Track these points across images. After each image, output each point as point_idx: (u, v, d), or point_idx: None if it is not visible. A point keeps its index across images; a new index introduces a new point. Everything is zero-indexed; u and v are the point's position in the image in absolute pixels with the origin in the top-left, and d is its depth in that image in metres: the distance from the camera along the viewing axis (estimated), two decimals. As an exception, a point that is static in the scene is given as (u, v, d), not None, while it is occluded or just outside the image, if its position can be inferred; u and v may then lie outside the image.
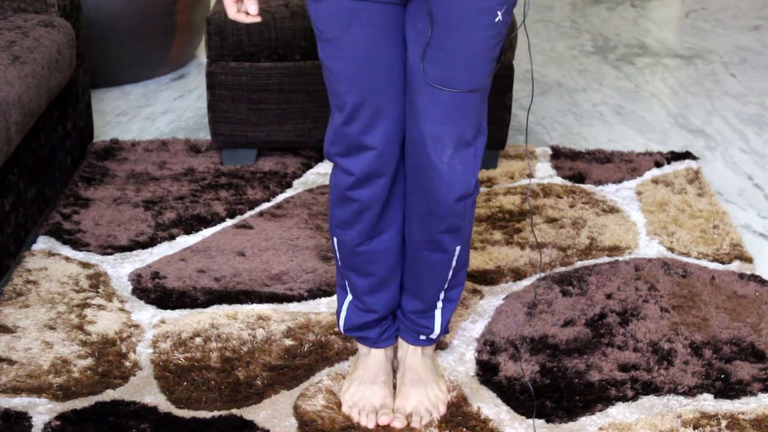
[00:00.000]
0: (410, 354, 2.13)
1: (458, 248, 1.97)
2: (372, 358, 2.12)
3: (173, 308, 2.44)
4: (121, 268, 2.59)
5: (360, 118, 1.86)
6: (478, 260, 2.63)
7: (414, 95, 1.84)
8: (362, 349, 2.15)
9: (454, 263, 2.00)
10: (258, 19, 1.81)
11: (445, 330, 2.11)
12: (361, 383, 2.10)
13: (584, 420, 2.08)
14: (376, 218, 1.97)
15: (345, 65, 1.83)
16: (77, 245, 2.69)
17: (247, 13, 1.81)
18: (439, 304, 2.07)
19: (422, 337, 2.10)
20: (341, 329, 2.14)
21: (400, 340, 2.15)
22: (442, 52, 1.79)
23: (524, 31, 1.85)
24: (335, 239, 2.03)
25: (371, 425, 2.05)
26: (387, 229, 1.99)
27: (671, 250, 2.69)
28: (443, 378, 2.16)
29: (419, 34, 1.80)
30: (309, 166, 3.13)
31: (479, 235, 2.75)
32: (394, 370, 2.20)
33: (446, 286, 2.04)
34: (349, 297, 2.09)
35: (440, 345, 2.30)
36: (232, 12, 1.81)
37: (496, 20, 1.77)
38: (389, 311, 2.09)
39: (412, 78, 1.84)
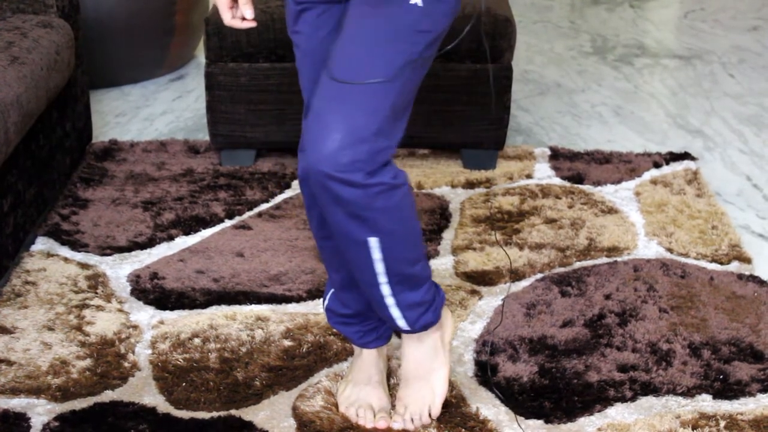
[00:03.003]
0: (405, 341, 2.06)
1: (374, 240, 1.84)
2: (364, 359, 2.12)
3: (172, 309, 2.44)
4: (119, 269, 2.59)
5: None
6: (476, 261, 2.63)
7: (320, 74, 1.81)
8: (356, 349, 2.15)
9: (376, 255, 1.87)
10: (254, 24, 1.81)
11: (421, 325, 1.99)
12: (356, 384, 2.10)
13: (583, 420, 2.08)
14: (321, 217, 1.95)
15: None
16: (76, 246, 2.69)
17: (243, 18, 1.81)
18: (389, 301, 1.94)
19: (397, 327, 2.02)
20: (324, 308, 2.12)
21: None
22: (350, 39, 1.76)
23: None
24: (314, 235, 2.05)
25: (369, 425, 2.05)
26: None
27: (670, 250, 2.69)
28: (444, 367, 2.07)
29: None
30: (308, 167, 3.13)
31: (478, 236, 2.75)
32: (391, 370, 2.20)
33: (382, 280, 1.91)
34: (333, 289, 2.10)
35: (439, 346, 2.30)
36: (228, 18, 1.81)
37: (411, 2, 1.72)
38: (363, 310, 2.06)
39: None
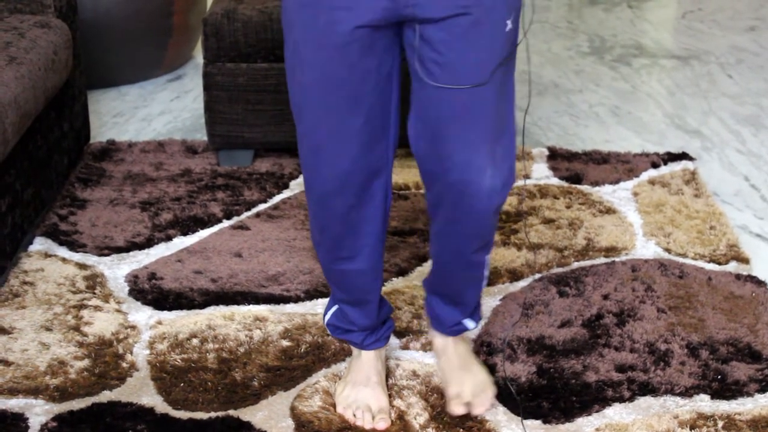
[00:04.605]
0: (450, 343, 2.15)
1: (488, 257, 2.01)
2: (363, 360, 2.13)
3: (170, 309, 2.44)
4: (117, 269, 2.59)
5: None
6: (474, 261, 2.63)
7: (439, 121, 1.84)
8: (354, 350, 2.16)
9: (486, 272, 2.05)
10: None
11: (478, 320, 2.14)
12: (354, 385, 2.10)
13: (581, 421, 2.08)
14: (335, 241, 1.97)
15: None
16: (74, 246, 2.68)
17: None
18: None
19: (457, 332, 2.13)
20: (324, 323, 2.16)
21: (435, 332, 2.16)
22: (450, 68, 1.78)
23: (523, 32, 1.84)
24: (317, 253, 2.06)
25: (368, 426, 2.05)
26: (356, 254, 1.99)
27: (668, 250, 2.69)
28: (483, 365, 2.19)
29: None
30: (306, 167, 3.13)
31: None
32: (389, 371, 2.20)
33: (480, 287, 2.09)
34: (336, 306, 2.12)
35: (437, 346, 2.30)
36: None
37: (506, 30, 1.77)
38: (369, 326, 2.09)
39: (430, 106, 1.83)
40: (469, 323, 2.11)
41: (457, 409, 2.06)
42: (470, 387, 2.09)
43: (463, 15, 1.73)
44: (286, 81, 1.89)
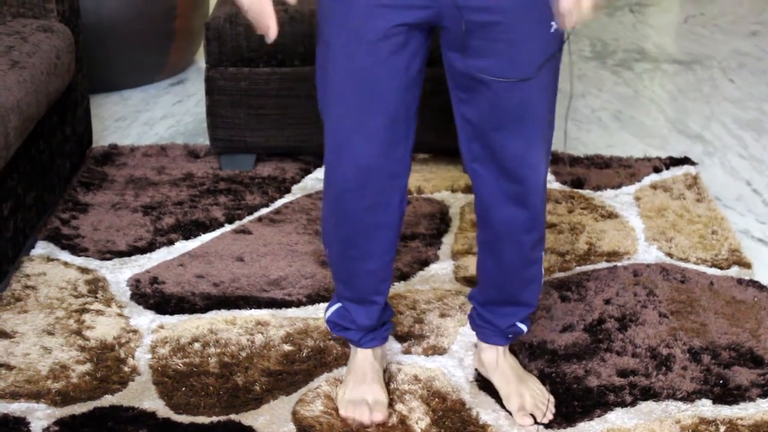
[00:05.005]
0: (500, 356, 2.16)
1: (543, 252, 2.05)
2: (360, 359, 2.13)
3: (172, 313, 2.44)
4: (119, 274, 2.59)
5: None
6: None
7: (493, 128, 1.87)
8: (352, 350, 2.16)
9: (542, 268, 2.07)
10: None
11: (529, 329, 2.18)
12: (354, 385, 2.11)
13: (583, 426, 2.08)
14: (348, 240, 1.98)
15: None
16: (76, 250, 2.69)
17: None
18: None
19: (510, 336, 2.15)
20: (324, 319, 2.17)
21: (485, 345, 2.17)
22: (497, 72, 1.80)
23: (567, 34, 1.86)
24: (326, 249, 2.06)
25: (366, 419, 2.04)
26: (368, 255, 1.99)
27: (670, 255, 2.69)
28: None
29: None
30: (308, 172, 3.13)
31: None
32: (391, 374, 2.20)
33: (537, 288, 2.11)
34: (339, 304, 2.12)
35: (439, 350, 2.30)
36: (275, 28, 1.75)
37: (551, 31, 1.79)
38: (369, 327, 2.09)
39: (482, 109, 1.86)
40: (522, 326, 2.13)
41: (523, 420, 2.07)
42: (530, 398, 2.10)
43: (498, 24, 1.76)
44: (316, 80, 1.91)
